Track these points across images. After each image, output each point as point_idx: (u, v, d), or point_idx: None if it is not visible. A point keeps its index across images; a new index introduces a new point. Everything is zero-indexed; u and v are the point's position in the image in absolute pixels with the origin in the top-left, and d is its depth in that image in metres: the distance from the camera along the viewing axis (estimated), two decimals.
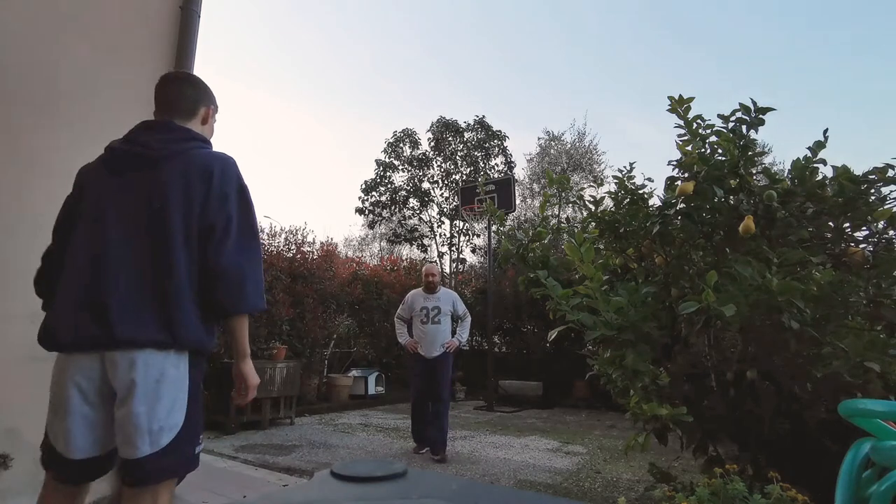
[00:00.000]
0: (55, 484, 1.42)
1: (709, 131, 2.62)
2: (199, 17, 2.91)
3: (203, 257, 1.42)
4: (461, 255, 13.84)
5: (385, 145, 14.21)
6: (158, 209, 1.41)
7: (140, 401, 1.33)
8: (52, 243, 1.56)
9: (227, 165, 1.52)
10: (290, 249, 7.13)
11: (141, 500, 1.37)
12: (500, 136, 14.12)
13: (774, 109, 2.49)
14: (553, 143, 17.13)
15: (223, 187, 1.47)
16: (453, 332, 4.87)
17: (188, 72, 1.66)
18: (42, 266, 1.57)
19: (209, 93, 1.68)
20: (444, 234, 14.06)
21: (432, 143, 14.02)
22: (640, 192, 2.78)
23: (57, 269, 1.48)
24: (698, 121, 2.63)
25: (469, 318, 4.97)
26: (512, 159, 14.34)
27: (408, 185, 13.88)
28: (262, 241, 6.68)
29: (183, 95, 1.61)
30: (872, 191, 2.32)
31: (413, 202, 13.81)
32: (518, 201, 14.98)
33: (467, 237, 14.00)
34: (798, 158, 2.46)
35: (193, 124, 1.61)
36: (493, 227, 8.10)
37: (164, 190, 1.42)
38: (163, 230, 1.40)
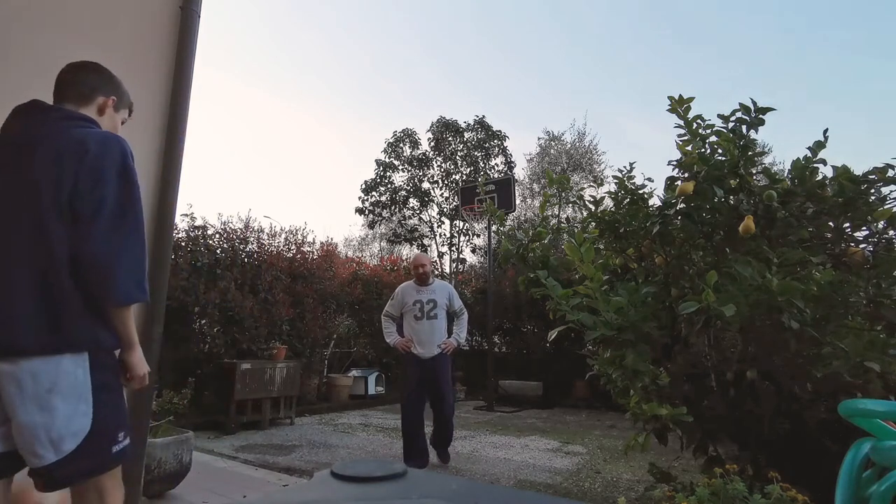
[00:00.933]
0: None
1: (709, 131, 2.62)
2: (199, 17, 2.91)
3: (70, 244, 1.27)
4: (461, 255, 13.84)
5: (385, 145, 14.23)
6: (29, 197, 1.27)
7: (31, 412, 1.22)
8: None
9: (107, 143, 1.35)
10: (290, 249, 7.13)
11: (85, 499, 1.32)
12: (500, 136, 14.12)
13: (774, 109, 2.50)
14: (553, 143, 17.14)
15: (98, 166, 1.31)
16: (450, 332, 4.34)
17: (86, 61, 1.52)
18: None
19: (114, 84, 1.54)
20: (444, 234, 14.07)
21: (432, 143, 14.02)
22: (640, 192, 2.78)
23: None
24: (698, 121, 2.63)
25: (466, 315, 4.46)
26: (512, 159, 14.35)
27: (408, 185, 13.89)
28: (262, 240, 6.70)
29: (77, 80, 1.47)
30: (872, 191, 2.32)
31: (413, 202, 13.82)
32: (518, 201, 14.99)
33: (467, 237, 14.01)
34: (798, 158, 2.46)
35: (87, 111, 1.46)
36: (493, 227, 8.11)
37: (33, 173, 1.27)
38: (35, 218, 1.26)
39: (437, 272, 4.75)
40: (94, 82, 1.49)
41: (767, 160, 13.58)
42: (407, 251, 14.59)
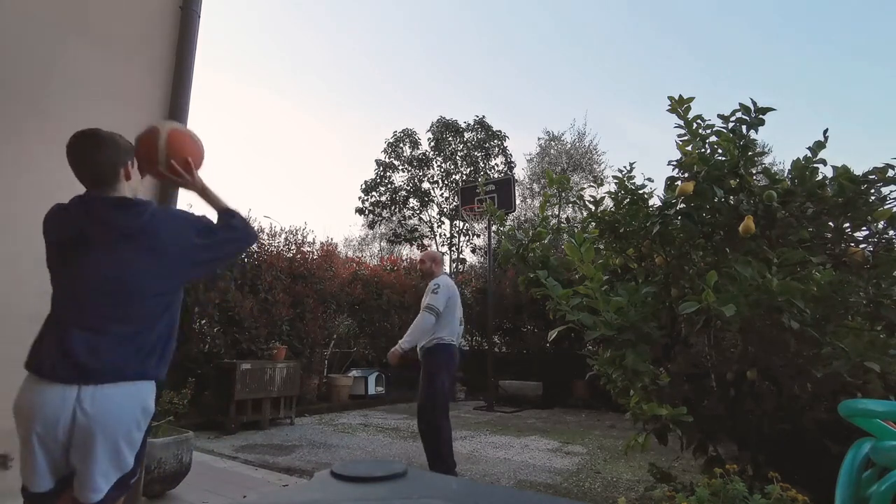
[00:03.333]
0: None
1: (709, 131, 2.62)
2: (199, 17, 2.91)
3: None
4: (461, 255, 13.84)
5: (385, 145, 14.24)
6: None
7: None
8: None
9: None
10: (290, 249, 7.13)
11: None
12: (500, 136, 14.13)
13: (774, 109, 2.50)
14: (553, 144, 17.14)
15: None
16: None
17: (95, 134, 1.61)
18: None
19: (124, 149, 1.62)
20: (444, 234, 14.07)
21: (432, 143, 14.02)
22: (640, 192, 2.78)
23: None
24: (698, 121, 2.63)
25: (421, 316, 3.69)
26: (512, 159, 14.36)
27: (408, 185, 13.89)
28: (260, 240, 6.72)
29: (98, 163, 1.59)
30: (872, 191, 2.32)
31: (413, 202, 13.82)
32: (518, 201, 14.99)
33: (467, 237, 14.01)
34: (798, 158, 2.46)
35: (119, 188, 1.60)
36: (493, 227, 8.11)
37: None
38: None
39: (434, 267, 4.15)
40: (113, 159, 1.61)
41: (767, 160, 13.59)
42: (407, 251, 14.60)
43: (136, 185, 1.66)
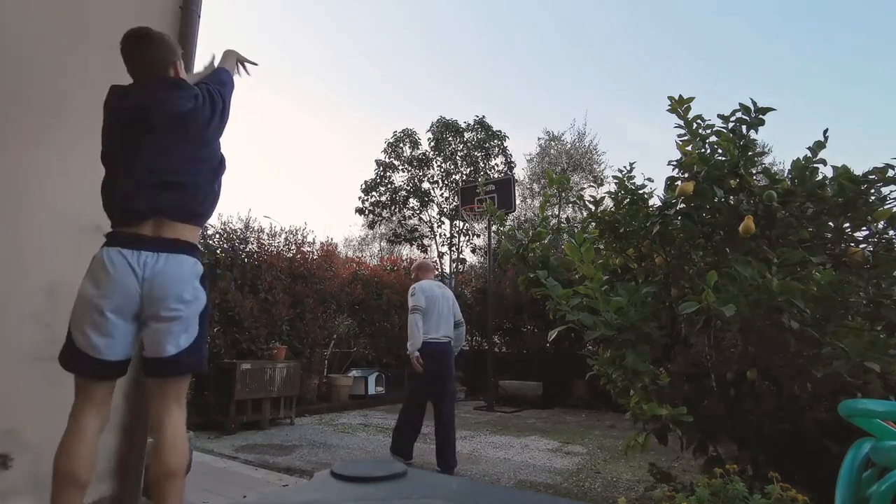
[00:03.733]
0: None
1: (709, 131, 2.62)
2: (199, 17, 2.91)
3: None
4: (461, 255, 13.84)
5: (385, 145, 14.23)
6: None
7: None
8: None
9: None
10: (290, 249, 7.12)
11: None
12: (500, 136, 14.12)
13: (774, 109, 2.49)
14: (553, 144, 17.14)
15: None
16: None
17: (147, 31, 1.87)
18: None
19: (171, 48, 1.90)
20: (444, 234, 14.07)
21: (432, 143, 14.02)
22: (640, 192, 2.78)
23: None
24: (698, 121, 2.63)
25: (409, 320, 4.10)
26: (512, 159, 14.35)
27: (408, 186, 13.89)
28: (262, 241, 6.72)
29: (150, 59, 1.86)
30: (872, 191, 2.32)
31: (413, 202, 13.82)
32: (518, 201, 14.99)
33: (467, 237, 14.01)
34: (798, 158, 2.46)
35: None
36: (493, 227, 8.10)
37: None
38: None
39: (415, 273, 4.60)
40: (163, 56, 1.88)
41: (767, 160, 13.59)
42: (407, 251, 14.60)
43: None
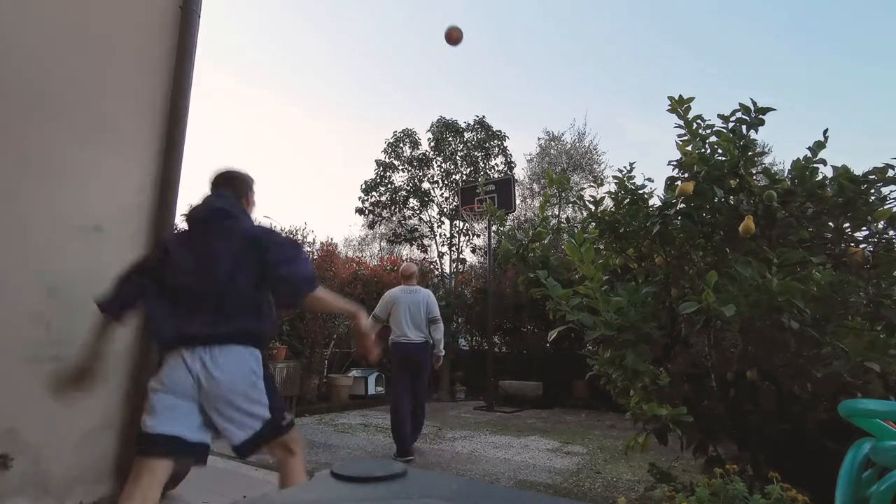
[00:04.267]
0: None
1: (709, 131, 2.62)
2: (199, 17, 2.91)
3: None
4: (461, 255, 13.83)
5: (385, 145, 14.21)
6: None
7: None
8: None
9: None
10: None
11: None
12: (500, 136, 14.11)
13: (774, 109, 2.49)
14: (553, 144, 17.14)
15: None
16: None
17: (230, 171, 2.06)
18: None
19: (247, 184, 2.07)
20: (444, 234, 14.05)
21: (432, 144, 14.00)
22: (640, 192, 2.78)
23: None
24: (698, 121, 2.63)
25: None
26: (512, 159, 14.32)
27: (408, 186, 13.87)
28: None
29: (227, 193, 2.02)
30: (872, 191, 2.32)
31: (413, 202, 13.80)
32: (518, 201, 14.98)
33: (467, 237, 13.99)
34: (798, 158, 2.46)
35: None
36: (493, 227, 8.10)
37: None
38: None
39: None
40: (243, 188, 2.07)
41: (767, 160, 13.59)
42: (407, 251, 14.59)
43: (251, 211, 2.07)
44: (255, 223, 1.97)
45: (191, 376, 1.70)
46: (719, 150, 2.57)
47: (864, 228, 2.41)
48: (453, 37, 3.94)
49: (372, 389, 7.92)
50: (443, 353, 4.74)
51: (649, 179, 2.81)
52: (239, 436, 1.74)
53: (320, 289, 1.91)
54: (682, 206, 2.56)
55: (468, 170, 13.84)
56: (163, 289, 1.80)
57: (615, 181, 2.86)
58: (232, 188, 1.99)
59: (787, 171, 2.61)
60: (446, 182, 13.90)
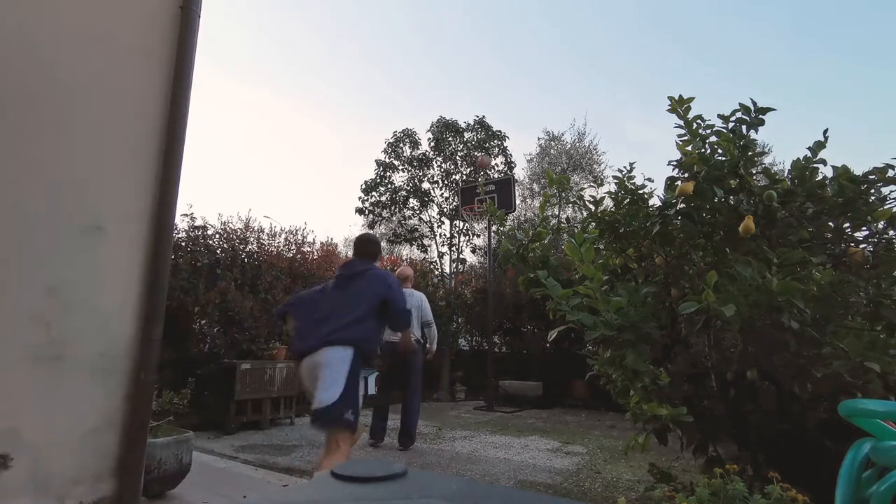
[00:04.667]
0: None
1: (709, 131, 2.62)
2: (199, 17, 2.91)
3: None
4: (461, 255, 13.83)
5: (385, 145, 14.21)
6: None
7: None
8: None
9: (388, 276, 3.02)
10: (290, 249, 7.12)
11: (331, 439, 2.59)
12: (500, 136, 14.11)
13: (774, 109, 2.49)
14: (553, 144, 17.14)
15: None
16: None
17: (370, 236, 3.15)
18: None
19: (379, 248, 3.03)
20: (444, 234, 14.04)
21: (432, 144, 14.01)
22: (640, 192, 2.78)
23: None
24: (698, 121, 2.63)
25: None
26: (512, 159, 14.32)
27: (408, 186, 13.87)
28: (262, 241, 6.73)
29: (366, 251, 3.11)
30: (872, 191, 2.32)
31: (413, 202, 13.80)
32: (518, 201, 14.98)
33: (467, 237, 13.98)
34: (798, 158, 2.46)
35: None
36: (493, 227, 8.10)
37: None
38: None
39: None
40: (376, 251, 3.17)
41: (767, 160, 13.59)
42: (407, 251, 14.59)
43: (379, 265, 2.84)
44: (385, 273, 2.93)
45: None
46: (719, 150, 2.57)
47: (864, 228, 2.41)
48: (483, 163, 5.55)
49: (372, 389, 7.89)
50: (435, 349, 5.20)
51: (649, 179, 2.81)
52: (316, 399, 2.48)
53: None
54: (682, 206, 2.56)
55: (468, 170, 13.83)
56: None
57: (615, 181, 2.86)
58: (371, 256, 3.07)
59: (787, 171, 2.61)
60: (446, 182, 13.90)
